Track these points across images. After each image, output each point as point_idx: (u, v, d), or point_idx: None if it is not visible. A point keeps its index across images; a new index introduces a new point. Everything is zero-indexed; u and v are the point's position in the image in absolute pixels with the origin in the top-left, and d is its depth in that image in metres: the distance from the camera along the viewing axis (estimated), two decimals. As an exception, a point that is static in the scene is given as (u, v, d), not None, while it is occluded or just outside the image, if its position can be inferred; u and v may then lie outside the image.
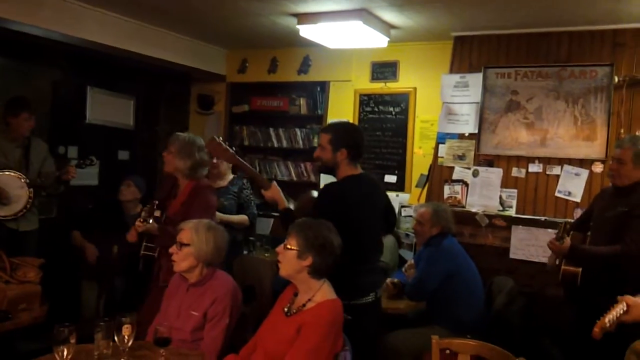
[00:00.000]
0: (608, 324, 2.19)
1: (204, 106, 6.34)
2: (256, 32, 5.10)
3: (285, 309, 2.32)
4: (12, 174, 3.86)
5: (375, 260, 2.95)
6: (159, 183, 4.85)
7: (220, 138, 3.06)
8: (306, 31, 4.43)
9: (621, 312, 2.13)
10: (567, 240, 3.22)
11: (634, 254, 3.00)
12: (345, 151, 2.80)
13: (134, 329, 2.14)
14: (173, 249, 2.64)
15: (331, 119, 5.57)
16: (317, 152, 2.91)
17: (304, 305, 2.27)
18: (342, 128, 2.95)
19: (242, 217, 4.05)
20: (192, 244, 2.61)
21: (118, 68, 5.52)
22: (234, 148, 3.11)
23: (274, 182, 2.95)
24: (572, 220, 3.80)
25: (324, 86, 5.66)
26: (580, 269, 3.20)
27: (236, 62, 6.10)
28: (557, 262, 3.39)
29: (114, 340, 2.14)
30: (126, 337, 2.12)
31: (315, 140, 5.61)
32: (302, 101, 5.82)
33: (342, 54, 5.34)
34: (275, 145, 5.95)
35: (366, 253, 2.77)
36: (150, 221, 3.12)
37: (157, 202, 3.20)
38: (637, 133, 3.95)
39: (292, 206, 2.99)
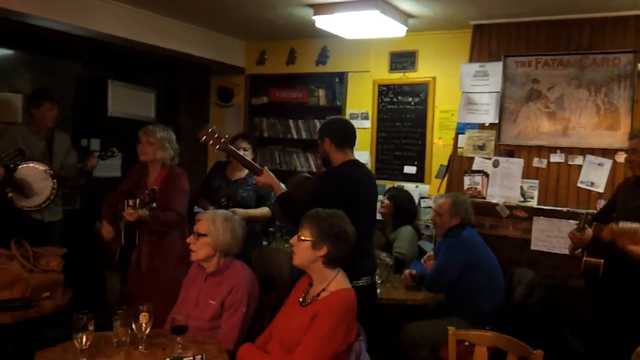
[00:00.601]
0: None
1: (224, 98, 6.36)
2: (274, 23, 5.09)
3: (300, 299, 2.33)
4: (37, 165, 3.93)
5: (368, 244, 3.02)
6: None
7: (214, 127, 3.22)
8: (322, 22, 4.41)
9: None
10: (589, 231, 3.18)
11: None
12: (329, 140, 3.01)
13: (151, 317, 2.17)
14: (190, 239, 2.69)
15: (350, 110, 5.58)
16: (320, 149, 3.15)
17: (318, 294, 2.28)
18: (327, 121, 3.19)
19: (264, 210, 4.05)
20: (209, 234, 2.64)
21: (138, 61, 5.56)
22: (227, 136, 3.28)
23: (266, 168, 3.13)
24: (594, 211, 3.74)
25: (342, 77, 5.63)
26: (603, 261, 3.15)
27: (255, 54, 6.11)
28: (579, 253, 3.35)
29: (132, 328, 2.18)
30: (144, 324, 2.16)
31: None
32: (321, 92, 5.81)
33: (360, 44, 5.31)
34: (295, 136, 5.96)
35: (361, 236, 2.81)
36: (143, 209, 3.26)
37: (156, 188, 3.31)
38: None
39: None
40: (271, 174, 3.13)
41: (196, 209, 3.89)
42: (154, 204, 3.26)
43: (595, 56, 4.17)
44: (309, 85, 5.87)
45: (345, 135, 3.10)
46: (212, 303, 2.58)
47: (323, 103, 5.80)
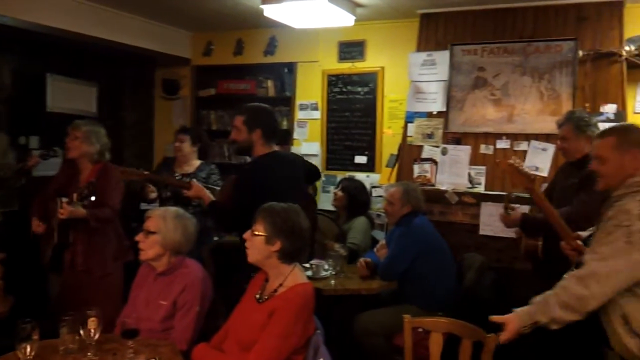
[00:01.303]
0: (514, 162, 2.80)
1: (169, 91, 6.21)
2: (220, 13, 4.99)
3: (257, 296, 2.29)
4: (-29, 168, 3.74)
5: None
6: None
7: (126, 168, 3.44)
8: (270, 11, 4.34)
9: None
10: (517, 211, 3.28)
11: (582, 215, 3.04)
12: (260, 131, 2.96)
13: (100, 322, 2.09)
14: (140, 237, 2.60)
15: (300, 100, 5.54)
16: (232, 134, 3.08)
17: (275, 290, 2.24)
18: (256, 109, 3.09)
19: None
20: (159, 231, 2.56)
21: (79, 54, 5.37)
22: (142, 170, 3.45)
23: (193, 181, 3.13)
24: (525, 196, 3.87)
25: (291, 67, 5.58)
26: (540, 242, 3.24)
27: (201, 45, 5.98)
28: (517, 236, 3.45)
29: (79, 335, 2.09)
30: (92, 330, 2.08)
31: (285, 122, 5.56)
32: (270, 83, 5.74)
33: (308, 34, 5.27)
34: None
35: None
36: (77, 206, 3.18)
37: (94, 181, 3.24)
38: (602, 107, 4.01)
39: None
40: (200, 185, 3.14)
41: (143, 205, 3.80)
42: (93, 197, 3.16)
43: (538, 44, 4.28)
44: (258, 76, 5.80)
45: (276, 129, 3.10)
46: (164, 303, 2.51)
47: (272, 94, 5.73)
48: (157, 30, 5.55)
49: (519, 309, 2.23)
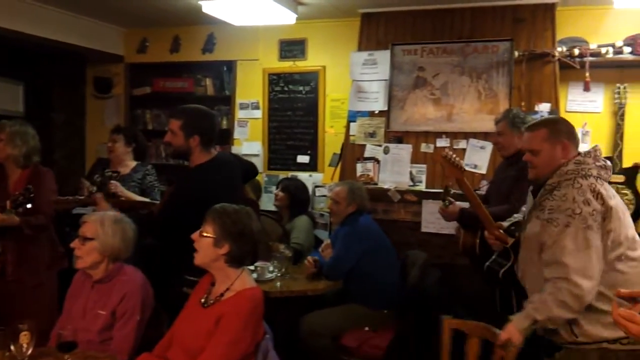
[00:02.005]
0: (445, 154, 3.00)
1: (102, 89, 5.96)
2: (156, 9, 4.82)
3: (202, 300, 2.20)
4: None
5: None
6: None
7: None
8: (209, 7, 4.23)
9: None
10: (456, 205, 3.35)
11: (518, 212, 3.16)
12: (198, 138, 2.81)
13: (33, 336, 1.94)
14: (75, 244, 2.45)
15: (240, 99, 5.44)
16: (167, 137, 2.89)
17: (222, 295, 2.16)
18: (194, 113, 2.91)
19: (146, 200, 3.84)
20: (96, 237, 2.42)
21: (3, 50, 5.04)
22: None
23: (98, 195, 2.98)
24: (452, 184, 3.97)
25: (230, 65, 5.47)
26: (478, 240, 3.30)
27: (135, 42, 5.77)
28: (457, 232, 3.52)
29: (10, 350, 1.93)
30: (25, 345, 1.93)
31: (225, 122, 5.44)
32: (209, 81, 5.61)
33: (248, 31, 5.17)
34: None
35: None
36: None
37: (31, 187, 3.01)
38: (537, 105, 4.15)
39: None
40: (105, 203, 2.98)
41: (77, 210, 3.60)
42: (29, 205, 2.95)
43: (476, 44, 4.37)
44: (196, 74, 5.65)
45: (215, 134, 2.96)
46: (102, 313, 2.37)
47: (211, 93, 5.60)
48: (87, 25, 5.30)
49: (516, 315, 2.27)
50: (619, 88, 4.20)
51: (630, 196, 4.02)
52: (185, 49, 5.61)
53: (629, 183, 4.08)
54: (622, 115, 4.19)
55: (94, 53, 5.52)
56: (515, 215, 2.86)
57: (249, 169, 3.43)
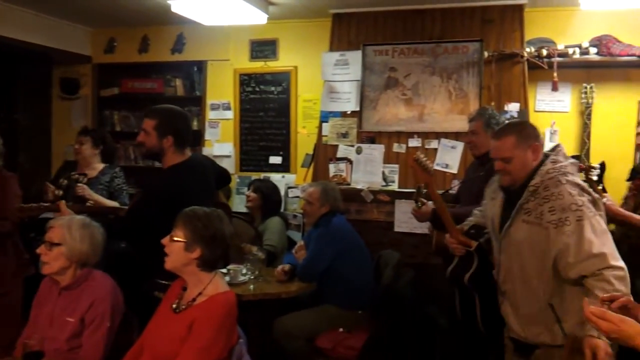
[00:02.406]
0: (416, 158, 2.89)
1: (68, 90, 5.82)
2: (124, 8, 4.73)
3: (174, 306, 2.16)
4: None
5: None
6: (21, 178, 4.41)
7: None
8: (179, 7, 4.16)
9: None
10: (428, 205, 3.36)
11: None
12: (172, 138, 2.78)
13: (-4, 346, 1.88)
14: (42, 249, 2.38)
15: (211, 100, 5.38)
16: (140, 137, 2.86)
17: (194, 300, 2.12)
18: (168, 113, 2.88)
19: (115, 203, 3.77)
20: (63, 243, 2.35)
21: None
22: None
23: (61, 202, 2.86)
24: (440, 192, 3.96)
25: (201, 66, 5.40)
26: None
27: (102, 42, 5.65)
28: (430, 232, 3.54)
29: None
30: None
31: (196, 123, 5.37)
32: (178, 82, 5.53)
33: (219, 31, 5.12)
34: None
35: None
36: None
37: None
38: (506, 105, 4.19)
39: None
40: (68, 210, 2.83)
41: (43, 214, 3.50)
42: None
43: (447, 45, 4.40)
44: (165, 75, 5.57)
45: (189, 135, 2.93)
46: (70, 320, 2.30)
47: (181, 93, 5.53)
48: (53, 25, 5.17)
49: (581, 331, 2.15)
50: (585, 88, 4.28)
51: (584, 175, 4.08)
52: (154, 49, 5.52)
53: (596, 181, 4.15)
54: (589, 114, 4.27)
55: (61, 53, 5.39)
56: (469, 218, 2.86)
57: (222, 175, 3.39)
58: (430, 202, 3.43)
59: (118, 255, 3.59)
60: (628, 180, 3.62)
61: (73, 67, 5.76)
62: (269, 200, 4.48)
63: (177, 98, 5.46)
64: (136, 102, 5.61)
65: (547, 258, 2.20)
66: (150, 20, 5.18)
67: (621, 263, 2.09)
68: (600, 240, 2.11)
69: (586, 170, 3.50)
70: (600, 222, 2.15)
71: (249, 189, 4.59)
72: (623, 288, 2.01)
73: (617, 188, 3.85)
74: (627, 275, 2.08)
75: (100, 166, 3.91)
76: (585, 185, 2.24)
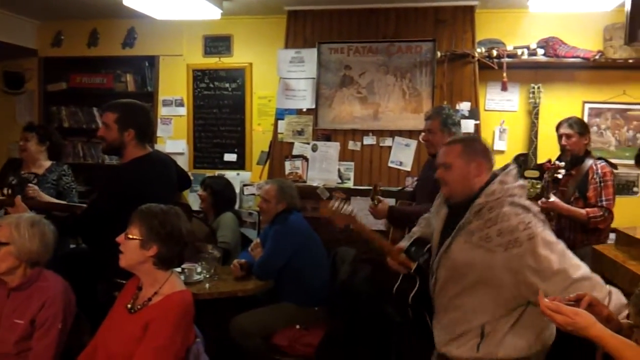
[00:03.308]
0: (331, 207, 2.77)
1: (13, 85, 5.62)
2: (72, 0, 4.57)
3: (129, 306, 2.11)
4: None
5: None
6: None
7: None
8: (130, 0, 4.06)
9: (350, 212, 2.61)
10: (385, 203, 3.40)
11: None
12: (133, 132, 2.76)
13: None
14: (-12, 250, 2.27)
15: (163, 96, 5.29)
16: (101, 132, 2.83)
17: (149, 299, 2.08)
18: (129, 107, 2.87)
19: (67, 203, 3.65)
20: (12, 242, 2.27)
21: None
22: None
23: (17, 198, 2.79)
24: (391, 189, 4.14)
25: (152, 61, 5.30)
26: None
27: (49, 35, 5.47)
28: (386, 229, 3.58)
29: None
30: None
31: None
32: (129, 77, 5.42)
33: (171, 26, 5.03)
34: (101, 126, 5.46)
35: None
36: None
37: None
38: (458, 104, 4.28)
39: None
40: (24, 205, 2.79)
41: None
42: None
43: (400, 44, 4.46)
44: (115, 70, 5.44)
45: (151, 129, 2.94)
46: (20, 322, 2.22)
47: (132, 89, 5.41)
48: (-5, 17, 4.98)
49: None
50: (533, 88, 4.42)
51: (542, 186, 4.24)
52: (103, 43, 5.38)
53: (543, 178, 4.31)
54: (537, 114, 4.42)
55: (4, 46, 5.17)
56: (414, 229, 2.79)
57: (183, 178, 3.34)
58: (386, 200, 3.49)
59: (71, 254, 3.49)
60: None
61: (18, 61, 5.57)
62: (220, 197, 4.42)
63: (128, 94, 5.34)
64: (85, 98, 5.47)
65: (490, 282, 2.12)
66: (99, 13, 5.05)
67: (583, 271, 2.03)
68: (556, 254, 2.03)
69: (553, 169, 3.64)
70: (551, 235, 2.09)
71: (200, 187, 4.52)
72: (597, 294, 1.91)
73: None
74: (594, 278, 2.03)
75: (47, 163, 3.79)
76: (528, 204, 2.15)
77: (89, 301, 2.64)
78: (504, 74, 4.34)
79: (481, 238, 2.10)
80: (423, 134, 3.59)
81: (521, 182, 2.25)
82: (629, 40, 2.43)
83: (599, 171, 3.58)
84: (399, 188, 4.26)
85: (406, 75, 4.48)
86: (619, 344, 1.46)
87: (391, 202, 3.70)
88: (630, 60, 4.23)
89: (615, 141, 4.45)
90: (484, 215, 2.11)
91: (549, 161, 3.69)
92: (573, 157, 3.70)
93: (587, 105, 4.50)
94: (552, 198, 3.58)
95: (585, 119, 4.36)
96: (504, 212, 2.08)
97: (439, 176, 2.30)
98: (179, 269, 3.18)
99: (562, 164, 3.54)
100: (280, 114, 4.71)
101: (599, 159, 3.71)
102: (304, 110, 4.66)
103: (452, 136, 3.35)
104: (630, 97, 4.42)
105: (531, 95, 4.44)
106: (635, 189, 3.71)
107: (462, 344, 2.19)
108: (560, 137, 3.77)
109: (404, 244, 2.65)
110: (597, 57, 4.26)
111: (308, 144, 4.63)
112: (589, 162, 3.66)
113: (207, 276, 3.42)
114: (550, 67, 4.45)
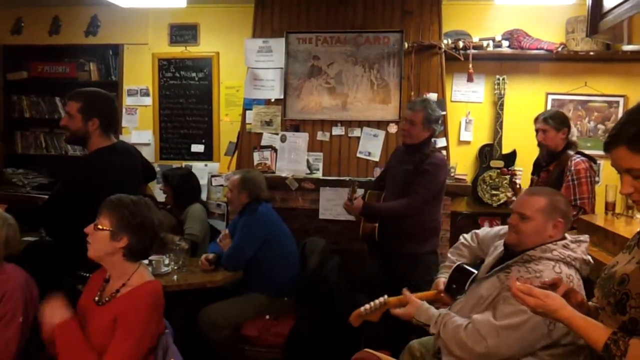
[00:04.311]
0: (364, 312, 2.34)
1: (-30, 73, 5.43)
2: (32, -14, 4.46)
3: (96, 298, 2.07)
4: None
5: None
6: None
7: None
8: (93, -13, 3.97)
9: (381, 303, 2.33)
10: (359, 200, 3.43)
11: (418, 206, 3.30)
12: (98, 121, 2.72)
13: None
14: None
15: (128, 85, 5.20)
16: (64, 121, 2.79)
17: (117, 291, 2.04)
18: (93, 96, 2.81)
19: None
20: (-29, 235, 2.19)
21: None
22: None
23: None
24: (362, 180, 4.13)
25: (117, 50, 5.20)
26: (377, 224, 3.43)
27: (8, 22, 5.31)
28: (357, 220, 3.61)
29: None
30: None
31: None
32: (93, 66, 5.31)
33: (136, 14, 4.94)
34: (63, 116, 5.34)
35: None
36: None
37: None
38: (425, 95, 4.30)
39: None
40: None
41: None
42: None
43: (368, 35, 4.47)
44: (78, 59, 5.32)
45: (116, 118, 2.90)
46: (-21, 317, 2.16)
47: (96, 78, 5.30)
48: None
49: (425, 304, 2.26)
50: (498, 79, 4.50)
51: (509, 180, 4.33)
52: (66, 31, 5.26)
53: (508, 167, 4.40)
54: (502, 105, 4.49)
55: (-40, 33, 5.02)
56: (451, 257, 2.66)
57: (148, 170, 3.29)
58: (360, 197, 3.50)
59: (35, 247, 3.41)
60: (532, 174, 3.87)
61: (-25, 49, 5.38)
62: (180, 189, 4.34)
63: (92, 83, 5.22)
64: (47, 87, 5.35)
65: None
66: (61, 0, 4.92)
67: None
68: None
69: (511, 175, 3.69)
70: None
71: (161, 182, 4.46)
72: None
73: (526, 174, 4.10)
74: None
75: None
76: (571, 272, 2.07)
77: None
78: (470, 66, 4.39)
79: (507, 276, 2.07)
80: (396, 125, 3.58)
81: (585, 257, 2.12)
82: (590, 33, 2.48)
83: (572, 168, 3.43)
84: (370, 178, 4.28)
85: (374, 66, 4.49)
86: (585, 325, 1.51)
87: (360, 192, 3.71)
88: (592, 53, 4.33)
89: (577, 132, 4.55)
90: (529, 263, 2.09)
91: (507, 167, 3.71)
92: (549, 152, 3.61)
93: (550, 97, 4.60)
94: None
95: (549, 110, 4.45)
96: (547, 273, 2.01)
97: (512, 223, 2.18)
98: (145, 261, 3.15)
99: (520, 169, 3.56)
100: (248, 104, 4.67)
101: (578, 153, 3.54)
102: (273, 100, 4.63)
103: (431, 130, 3.39)
104: (592, 88, 4.53)
105: (496, 87, 4.51)
106: (597, 179, 3.79)
107: None
108: (536, 132, 3.67)
109: (442, 278, 2.55)
110: (559, 49, 4.35)
111: (277, 134, 4.61)
112: (567, 157, 3.51)
113: (175, 268, 3.39)
114: (514, 58, 4.53)
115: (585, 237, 2.16)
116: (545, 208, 2.12)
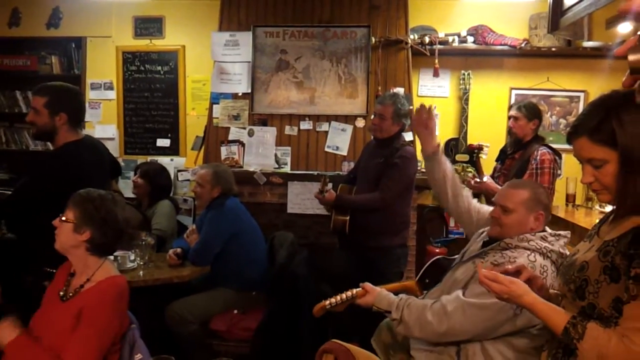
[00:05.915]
0: (329, 306, 2.35)
1: None
2: (-11, -24, 4.33)
3: (61, 293, 2.03)
4: None
5: None
6: None
7: None
8: (55, -23, 3.88)
9: (349, 296, 2.31)
10: (331, 193, 3.45)
11: (390, 199, 3.34)
12: (65, 116, 2.68)
13: None
14: None
15: (91, 79, 5.11)
16: (30, 117, 2.71)
17: (82, 286, 2.01)
18: (60, 90, 2.76)
19: None
20: None
21: None
22: None
23: None
24: (332, 174, 4.15)
25: (79, 42, 5.10)
26: (348, 217, 3.45)
27: (-35, 13, 5.14)
28: (329, 213, 3.63)
29: None
30: None
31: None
32: (54, 59, 5.19)
33: (99, 6, 4.87)
34: (24, 110, 5.22)
35: None
36: None
37: None
38: (392, 90, 4.33)
39: None
40: None
41: None
42: None
43: (336, 29, 4.49)
44: (39, 51, 5.21)
45: (83, 113, 2.83)
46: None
47: (58, 71, 5.20)
48: None
49: (385, 291, 2.28)
50: (463, 74, 4.57)
51: (473, 172, 4.41)
52: (26, 23, 5.14)
53: (472, 161, 4.48)
54: (467, 99, 4.57)
55: None
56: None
57: (114, 166, 3.24)
58: (331, 189, 3.52)
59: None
60: (497, 160, 3.96)
61: None
62: (156, 184, 4.31)
63: (54, 77, 5.13)
64: (7, 81, 5.23)
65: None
66: (21, -9, 4.80)
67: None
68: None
69: (477, 149, 3.72)
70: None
71: (135, 174, 4.39)
72: None
73: (489, 166, 4.18)
74: None
75: None
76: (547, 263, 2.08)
77: (15, 291, 2.53)
78: (436, 61, 4.45)
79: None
80: (364, 119, 3.60)
81: (563, 251, 2.10)
82: (551, 29, 2.54)
83: (538, 158, 3.51)
84: (339, 173, 4.30)
85: (342, 61, 4.51)
86: (547, 310, 1.56)
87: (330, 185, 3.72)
88: (554, 49, 4.43)
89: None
90: (505, 251, 2.12)
91: (472, 162, 3.79)
92: (517, 141, 3.71)
93: (514, 92, 4.70)
94: (485, 179, 3.70)
95: (512, 105, 4.55)
96: (521, 260, 2.03)
97: (494, 215, 2.21)
98: (111, 257, 3.10)
99: (487, 144, 3.65)
100: (215, 98, 4.63)
101: (544, 145, 3.64)
102: (240, 94, 4.61)
103: (401, 124, 3.43)
104: (554, 84, 4.65)
105: (461, 82, 4.58)
106: (559, 171, 3.89)
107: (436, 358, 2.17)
108: (508, 118, 3.83)
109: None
110: (523, 45, 4.44)
111: (244, 128, 4.59)
112: (533, 147, 3.61)
113: (141, 263, 3.34)
114: (479, 54, 4.61)
115: (566, 232, 2.18)
116: (528, 200, 2.15)
